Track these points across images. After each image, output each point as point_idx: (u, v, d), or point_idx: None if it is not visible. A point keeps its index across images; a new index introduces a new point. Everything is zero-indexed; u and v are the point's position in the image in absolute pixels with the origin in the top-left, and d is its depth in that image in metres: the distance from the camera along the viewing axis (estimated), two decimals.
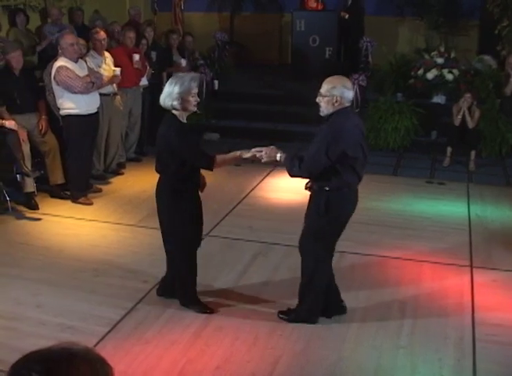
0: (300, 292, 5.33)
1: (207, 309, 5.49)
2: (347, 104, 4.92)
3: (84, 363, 1.50)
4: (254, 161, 5.52)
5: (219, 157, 5.21)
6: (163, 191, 5.22)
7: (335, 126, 4.85)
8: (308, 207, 5.20)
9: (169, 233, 5.34)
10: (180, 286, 5.54)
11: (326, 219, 5.02)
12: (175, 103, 5.03)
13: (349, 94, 4.88)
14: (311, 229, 5.18)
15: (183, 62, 10.97)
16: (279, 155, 5.06)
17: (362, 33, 13.49)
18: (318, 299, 5.28)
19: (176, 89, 5.02)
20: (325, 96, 4.85)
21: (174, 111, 5.10)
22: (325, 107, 4.90)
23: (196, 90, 5.10)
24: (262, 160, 5.18)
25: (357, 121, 5.06)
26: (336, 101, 4.82)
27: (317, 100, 4.92)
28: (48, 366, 1.46)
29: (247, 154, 5.23)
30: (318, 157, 4.78)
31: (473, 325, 5.31)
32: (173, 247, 5.41)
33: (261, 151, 5.13)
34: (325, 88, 4.87)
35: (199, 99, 5.18)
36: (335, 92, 4.81)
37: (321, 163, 4.79)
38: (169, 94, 5.05)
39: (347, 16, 13.53)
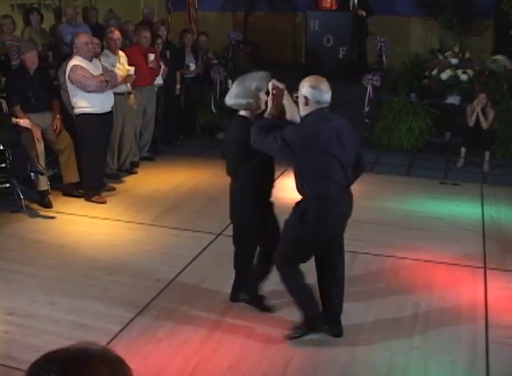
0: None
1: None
2: (321, 105, 4.65)
3: (102, 364, 1.50)
4: None
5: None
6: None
7: (303, 127, 4.70)
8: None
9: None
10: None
11: (301, 229, 4.82)
12: (251, 100, 4.96)
13: (319, 94, 4.60)
14: (286, 235, 5.02)
15: (192, 66, 10.99)
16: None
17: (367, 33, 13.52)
18: (302, 303, 5.17)
19: (253, 85, 4.94)
20: (297, 97, 4.74)
21: (243, 112, 5.04)
22: (300, 108, 4.74)
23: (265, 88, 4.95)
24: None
25: (336, 123, 4.73)
26: (304, 102, 4.64)
27: None
28: (65, 367, 1.46)
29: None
30: (273, 138, 4.59)
31: (486, 327, 5.29)
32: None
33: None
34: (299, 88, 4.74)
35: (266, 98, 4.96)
36: (302, 92, 4.65)
37: (272, 145, 4.62)
38: (241, 93, 4.98)
39: (364, 14, 13.50)
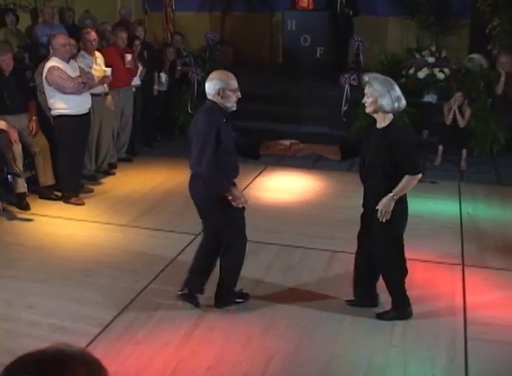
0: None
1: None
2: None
3: (79, 366, 1.49)
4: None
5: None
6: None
7: None
8: None
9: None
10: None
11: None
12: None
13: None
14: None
15: (163, 77, 10.92)
16: None
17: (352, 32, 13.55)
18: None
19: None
20: None
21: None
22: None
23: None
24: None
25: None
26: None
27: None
28: (41, 368, 1.45)
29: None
30: None
31: (465, 324, 5.32)
32: None
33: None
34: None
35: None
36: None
37: None
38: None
39: (351, 13, 13.54)
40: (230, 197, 5.12)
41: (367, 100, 5.03)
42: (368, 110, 5.05)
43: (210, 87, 5.14)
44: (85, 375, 1.48)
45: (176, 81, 11.35)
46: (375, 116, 5.09)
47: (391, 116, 5.05)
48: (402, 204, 5.09)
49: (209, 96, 5.17)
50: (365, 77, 5.11)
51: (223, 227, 5.38)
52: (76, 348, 1.54)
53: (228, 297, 5.57)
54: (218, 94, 5.10)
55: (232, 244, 5.39)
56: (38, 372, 1.44)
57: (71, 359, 1.49)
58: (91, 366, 1.52)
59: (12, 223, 7.54)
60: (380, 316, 5.40)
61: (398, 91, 5.01)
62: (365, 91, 5.05)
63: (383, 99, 4.92)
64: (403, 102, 5.04)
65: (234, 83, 5.18)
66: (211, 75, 5.26)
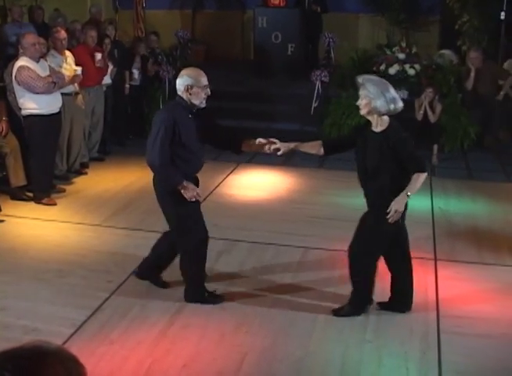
0: None
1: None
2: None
3: (57, 362, 1.48)
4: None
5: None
6: None
7: None
8: None
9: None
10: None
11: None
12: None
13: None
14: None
15: (135, 73, 10.88)
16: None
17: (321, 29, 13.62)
18: None
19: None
20: None
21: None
22: None
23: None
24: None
25: None
26: None
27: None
28: (19, 364, 1.44)
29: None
30: None
31: (437, 317, 5.37)
32: None
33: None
34: None
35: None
36: None
37: None
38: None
39: (319, 9, 13.58)
40: (182, 190, 5.15)
41: (361, 102, 5.01)
42: (362, 112, 5.04)
43: (180, 83, 5.22)
44: (63, 371, 1.47)
45: (148, 77, 11.31)
46: (369, 118, 5.07)
47: (387, 118, 5.03)
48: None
49: (178, 92, 5.25)
50: (359, 79, 5.06)
51: (171, 222, 5.49)
52: (53, 345, 1.54)
53: (195, 294, 5.61)
54: (187, 90, 5.15)
55: (178, 242, 5.51)
56: (16, 368, 1.42)
57: (49, 355, 1.49)
58: (68, 363, 1.52)
59: None
60: (336, 312, 5.43)
61: (393, 92, 4.99)
62: (360, 93, 5.02)
63: (377, 100, 4.91)
64: (400, 104, 5.02)
65: (204, 80, 5.22)
66: (182, 72, 5.31)
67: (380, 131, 5.03)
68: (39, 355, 1.48)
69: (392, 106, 4.95)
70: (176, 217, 5.39)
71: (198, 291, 5.62)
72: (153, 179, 5.42)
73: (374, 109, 4.95)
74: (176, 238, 5.51)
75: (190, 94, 5.15)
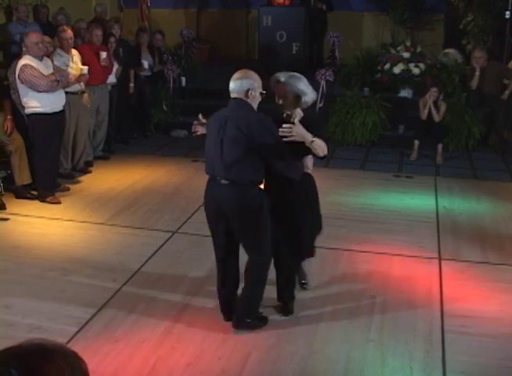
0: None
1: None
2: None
3: (59, 358, 1.48)
4: None
5: None
6: None
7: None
8: None
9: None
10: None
11: None
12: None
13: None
14: None
15: (145, 63, 10.93)
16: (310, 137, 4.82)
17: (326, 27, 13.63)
18: None
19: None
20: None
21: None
22: None
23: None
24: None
25: (227, 113, 4.95)
26: None
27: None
28: (25, 361, 1.43)
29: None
30: None
31: (441, 317, 5.36)
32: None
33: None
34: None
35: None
36: None
37: None
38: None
39: (324, 7, 13.57)
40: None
41: (285, 101, 4.99)
42: (289, 109, 5.01)
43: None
44: (66, 367, 1.48)
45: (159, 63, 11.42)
46: (292, 112, 5.03)
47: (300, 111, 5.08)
48: None
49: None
50: (281, 78, 5.05)
51: (254, 239, 5.12)
52: (54, 342, 1.54)
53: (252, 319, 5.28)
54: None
55: (261, 257, 5.18)
56: (22, 366, 1.42)
57: (51, 352, 1.49)
58: (70, 359, 1.52)
59: None
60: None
61: (306, 82, 5.08)
62: (287, 90, 4.99)
63: (306, 95, 4.99)
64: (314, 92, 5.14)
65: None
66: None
67: (299, 120, 4.97)
68: (42, 352, 1.48)
69: (315, 95, 5.09)
70: (265, 229, 4.97)
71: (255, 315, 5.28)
72: (225, 194, 4.86)
73: (304, 103, 5.01)
74: (259, 253, 5.03)
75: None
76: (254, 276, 5.09)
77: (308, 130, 4.78)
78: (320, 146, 4.84)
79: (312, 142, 4.78)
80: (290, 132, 4.68)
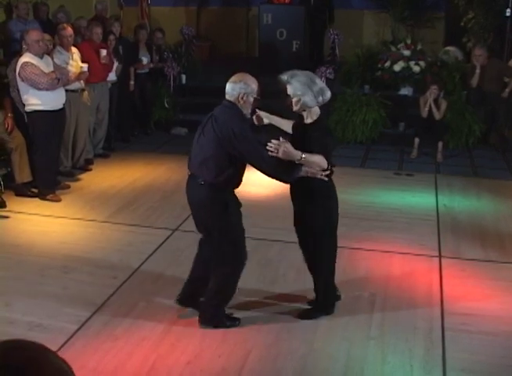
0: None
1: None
2: None
3: (55, 356, 1.46)
4: None
5: None
6: None
7: None
8: None
9: None
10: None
11: None
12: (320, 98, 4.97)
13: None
14: None
15: (145, 60, 10.93)
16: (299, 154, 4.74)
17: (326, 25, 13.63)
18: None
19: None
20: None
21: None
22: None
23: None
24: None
25: (214, 112, 5.04)
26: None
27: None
28: (26, 354, 1.40)
29: None
30: None
31: (442, 315, 5.36)
32: None
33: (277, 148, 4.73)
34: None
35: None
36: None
37: None
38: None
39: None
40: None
41: (292, 100, 4.97)
42: (295, 109, 5.00)
43: None
44: (58, 364, 1.44)
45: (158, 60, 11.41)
46: (303, 113, 5.03)
47: (317, 109, 5.01)
48: None
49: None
50: (284, 77, 5.00)
51: (218, 235, 5.15)
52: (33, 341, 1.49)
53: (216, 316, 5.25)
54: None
55: (224, 256, 5.18)
56: (25, 359, 1.39)
57: (46, 349, 1.46)
58: (58, 358, 1.48)
59: None
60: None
61: (320, 83, 4.99)
62: (288, 92, 4.97)
63: (305, 96, 4.89)
64: (328, 94, 5.00)
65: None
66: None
67: (310, 122, 4.98)
68: (42, 347, 1.46)
69: (320, 99, 4.95)
70: (226, 227, 5.01)
71: (222, 313, 5.24)
72: (193, 191, 5.07)
73: (304, 104, 4.94)
74: (223, 251, 5.03)
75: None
76: (215, 286, 5.10)
77: (311, 137, 4.81)
78: (314, 162, 4.80)
79: (300, 159, 4.74)
80: (276, 149, 4.69)
